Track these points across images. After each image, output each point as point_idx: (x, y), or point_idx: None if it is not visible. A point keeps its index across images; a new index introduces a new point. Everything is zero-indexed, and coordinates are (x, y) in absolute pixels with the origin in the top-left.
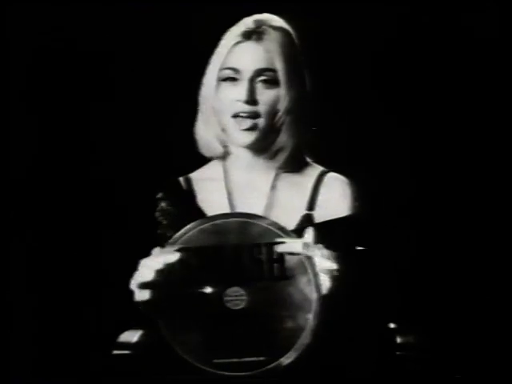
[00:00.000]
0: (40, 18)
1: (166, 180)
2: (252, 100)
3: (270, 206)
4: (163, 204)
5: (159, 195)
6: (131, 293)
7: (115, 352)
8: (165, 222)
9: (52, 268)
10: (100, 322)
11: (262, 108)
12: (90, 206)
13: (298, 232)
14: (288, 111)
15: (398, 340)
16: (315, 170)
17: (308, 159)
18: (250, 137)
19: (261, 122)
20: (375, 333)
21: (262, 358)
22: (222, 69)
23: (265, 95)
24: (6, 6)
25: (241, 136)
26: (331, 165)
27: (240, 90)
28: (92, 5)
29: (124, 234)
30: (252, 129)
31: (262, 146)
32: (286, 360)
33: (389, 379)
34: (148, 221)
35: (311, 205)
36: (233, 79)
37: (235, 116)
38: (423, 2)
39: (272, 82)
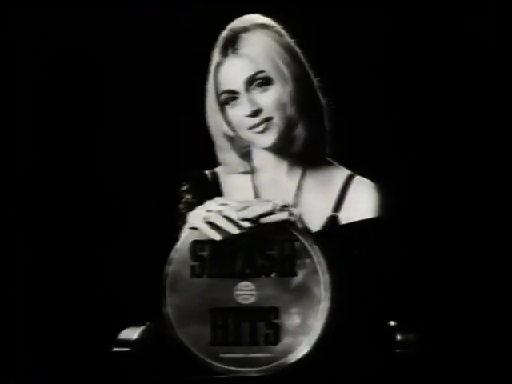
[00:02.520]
0: (40, 18)
1: (191, 173)
2: (256, 110)
3: (295, 205)
4: (188, 196)
5: (184, 187)
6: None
7: (115, 349)
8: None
9: (52, 267)
10: (100, 320)
11: (268, 112)
12: (90, 204)
13: (323, 233)
14: (294, 102)
15: (398, 338)
16: (342, 172)
17: (334, 162)
18: (270, 137)
19: (273, 122)
20: (376, 330)
21: (269, 354)
22: (218, 94)
23: (266, 98)
24: (6, 6)
25: (261, 138)
26: (356, 168)
27: (243, 106)
28: (94, 6)
29: (123, 234)
30: (267, 128)
31: (284, 145)
32: (294, 357)
33: (389, 377)
34: (145, 220)
35: (337, 207)
36: (233, 98)
37: (249, 128)
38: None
39: (267, 83)
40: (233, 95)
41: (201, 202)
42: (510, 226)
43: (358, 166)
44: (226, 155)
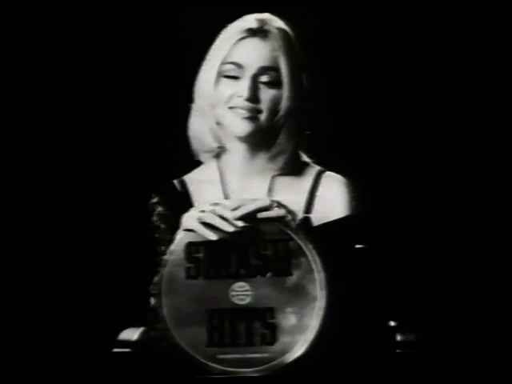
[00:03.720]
0: (40, 19)
1: (160, 184)
2: (254, 98)
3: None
4: (160, 208)
5: (155, 199)
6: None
7: (115, 350)
8: (163, 226)
9: (52, 267)
10: (100, 320)
11: (263, 106)
12: (90, 203)
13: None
14: (289, 112)
15: (398, 338)
16: (312, 169)
17: (305, 158)
18: (249, 126)
19: (261, 116)
20: (374, 331)
21: (266, 355)
22: (223, 63)
23: (267, 94)
24: (6, 7)
25: (239, 125)
26: (329, 164)
27: (241, 87)
28: (91, 4)
29: (123, 234)
30: (252, 118)
31: (260, 142)
32: (291, 356)
33: (389, 377)
34: (144, 221)
35: (309, 207)
36: (234, 76)
37: (232, 108)
38: (423, 3)
39: (274, 82)
40: (237, 71)
41: (173, 213)
42: (507, 223)
43: (331, 162)
44: (203, 123)
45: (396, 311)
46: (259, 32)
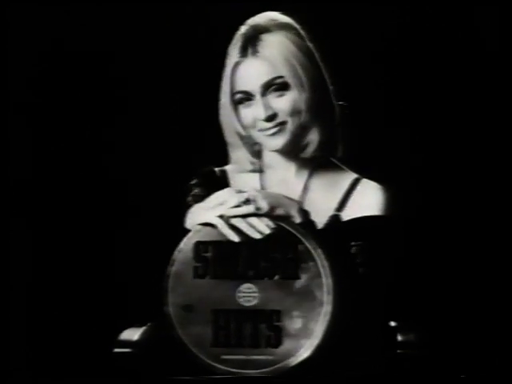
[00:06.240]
0: (40, 19)
1: (201, 168)
2: (272, 115)
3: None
4: (197, 190)
5: (194, 181)
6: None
7: (116, 350)
8: None
9: (53, 267)
10: (100, 320)
11: (283, 117)
12: (91, 203)
13: (325, 231)
14: (309, 106)
15: (399, 338)
16: (349, 175)
17: (342, 166)
18: (281, 140)
19: (288, 126)
20: (376, 332)
21: (270, 357)
22: (233, 94)
23: (281, 103)
24: (6, 8)
25: (272, 142)
26: (365, 171)
27: (257, 109)
28: (91, 5)
29: (125, 233)
30: (280, 132)
31: (294, 148)
32: (295, 360)
33: (390, 378)
34: (148, 221)
35: (341, 207)
36: (247, 99)
37: (260, 130)
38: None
39: (283, 88)
40: (247, 96)
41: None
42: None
43: (366, 169)
44: (238, 153)
45: (397, 312)
46: (249, 48)
